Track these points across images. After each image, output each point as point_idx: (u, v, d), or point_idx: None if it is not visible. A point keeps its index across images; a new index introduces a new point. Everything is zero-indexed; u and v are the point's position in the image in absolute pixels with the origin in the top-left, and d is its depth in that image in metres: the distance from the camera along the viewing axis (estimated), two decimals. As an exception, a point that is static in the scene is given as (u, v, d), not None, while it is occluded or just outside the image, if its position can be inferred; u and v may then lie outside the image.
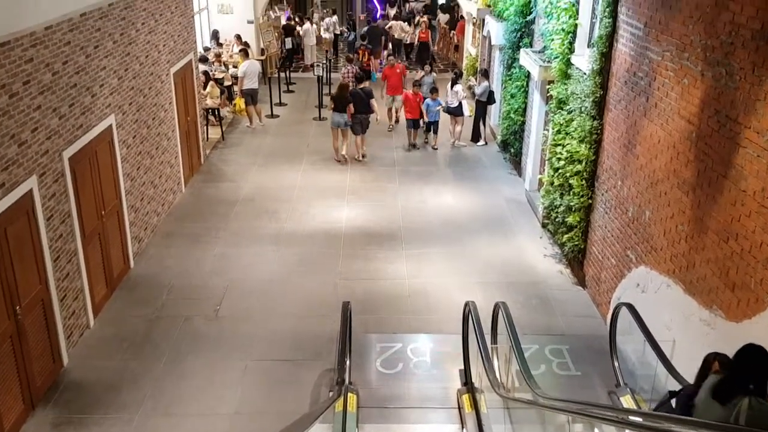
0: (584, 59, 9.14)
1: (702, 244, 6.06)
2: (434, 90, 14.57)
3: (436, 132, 14.67)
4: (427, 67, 16.05)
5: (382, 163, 13.93)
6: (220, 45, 18.10)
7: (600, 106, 8.49)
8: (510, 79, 13.21)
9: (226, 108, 15.82)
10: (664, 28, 6.79)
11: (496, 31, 13.84)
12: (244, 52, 15.73)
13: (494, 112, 15.51)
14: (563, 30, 9.54)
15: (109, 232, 8.89)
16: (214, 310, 8.64)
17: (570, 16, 9.42)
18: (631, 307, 6.92)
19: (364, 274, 9.62)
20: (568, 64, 9.55)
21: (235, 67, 16.37)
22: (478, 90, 14.54)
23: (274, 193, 12.23)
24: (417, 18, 22.24)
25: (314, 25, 21.34)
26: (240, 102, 15.23)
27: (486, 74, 14.79)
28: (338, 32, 22.67)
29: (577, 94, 8.98)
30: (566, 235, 9.41)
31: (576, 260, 9.43)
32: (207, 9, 18.75)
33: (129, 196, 9.52)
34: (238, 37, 17.77)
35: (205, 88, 14.41)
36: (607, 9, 8.08)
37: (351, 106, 13.54)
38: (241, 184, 12.62)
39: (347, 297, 8.12)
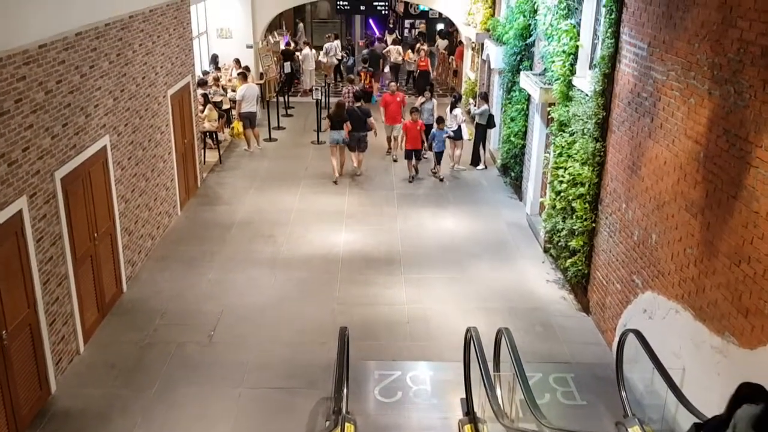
0: (586, 81, 9.03)
1: (712, 268, 5.86)
2: (440, 120, 14.07)
3: (440, 162, 14.29)
4: (427, 93, 15.52)
5: (381, 186, 13.77)
6: (218, 69, 18.07)
7: (603, 127, 8.36)
8: (510, 103, 13.12)
9: (224, 132, 15.70)
10: (668, 48, 6.67)
11: (496, 55, 13.78)
12: (243, 76, 15.67)
13: (494, 136, 15.41)
14: (564, 52, 9.45)
15: (102, 256, 8.68)
16: (207, 336, 8.40)
17: (571, 38, 9.33)
18: (638, 334, 6.72)
19: (362, 299, 9.40)
20: (570, 85, 9.44)
21: (233, 90, 16.30)
22: (476, 111, 14.45)
23: (271, 217, 12.05)
24: (417, 45, 22.29)
25: (313, 50, 21.37)
26: (238, 125, 15.11)
27: (485, 97, 14.70)
28: (339, 57, 22.69)
29: (579, 116, 8.85)
30: (569, 260, 9.21)
31: (579, 286, 9.22)
32: (206, 33, 18.76)
33: (123, 219, 9.33)
34: (237, 61, 17.75)
35: (203, 111, 14.30)
36: (610, 30, 7.98)
37: (348, 123, 13.74)
38: (238, 208, 12.44)
39: (345, 323, 7.89)
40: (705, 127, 5.99)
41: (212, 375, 7.61)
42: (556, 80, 9.67)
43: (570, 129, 9.23)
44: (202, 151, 14.20)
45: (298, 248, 10.89)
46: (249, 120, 15.19)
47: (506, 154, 13.31)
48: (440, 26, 27.42)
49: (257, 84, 17.18)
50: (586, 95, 8.80)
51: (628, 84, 7.68)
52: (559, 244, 9.62)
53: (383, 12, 22.02)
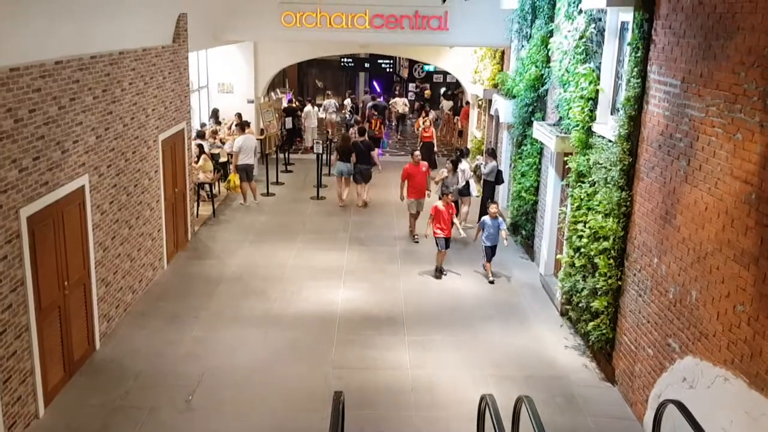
0: (608, 126, 8.37)
1: (772, 328, 4.99)
2: (492, 202, 11.47)
3: (491, 257, 11.28)
4: (449, 165, 13.10)
5: (383, 243, 12.96)
6: (218, 123, 17.58)
7: (629, 175, 7.63)
8: (520, 158, 12.47)
9: (218, 185, 15.03)
10: (707, 81, 6.01)
11: (505, 109, 13.24)
12: (241, 127, 15.10)
13: (502, 195, 14.71)
14: (583, 97, 8.84)
15: (72, 307, 7.81)
16: (185, 401, 7.43)
17: (590, 82, 8.73)
18: (680, 406, 5.78)
19: (361, 362, 8.45)
20: (589, 132, 8.78)
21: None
22: (485, 170, 13.78)
23: (264, 272, 11.20)
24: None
25: (315, 108, 21.07)
26: (234, 178, 14.43)
27: (493, 153, 14.08)
28: (347, 116, 22.49)
29: (601, 164, 8.14)
30: (591, 323, 8.30)
31: (603, 352, 8.28)
32: (207, 87, 18.38)
33: (100, 268, 8.49)
34: (239, 115, 17.26)
35: (197, 161, 13.66)
36: (635, 69, 7.36)
37: (354, 155, 14.71)
38: (229, 262, 11.60)
39: (340, 388, 6.93)
40: (757, 165, 5.24)
41: (186, 446, 6.63)
42: (574, 127, 9.01)
43: (590, 179, 8.51)
44: (195, 203, 13.47)
45: (292, 306, 10.00)
46: (246, 172, 14.53)
47: (516, 212, 12.57)
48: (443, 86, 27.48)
49: (257, 139, 16.65)
50: (609, 141, 8.11)
51: (659, 125, 6.99)
52: (579, 305, 8.73)
53: (388, 70, 21.83)
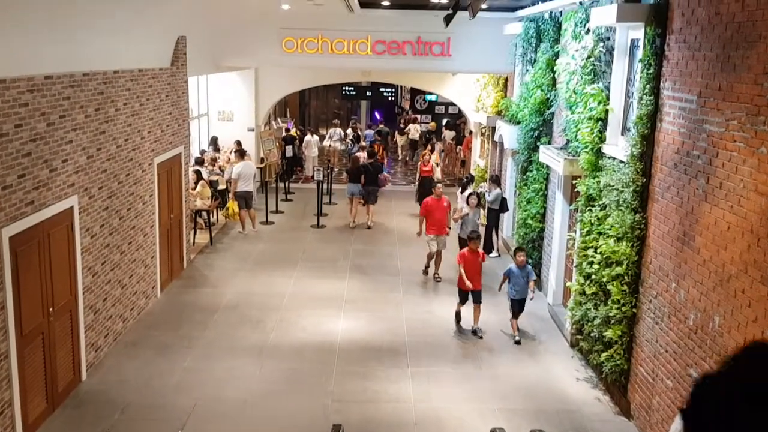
0: (618, 147, 8.06)
1: (808, 354, 4.57)
2: (520, 250, 9.84)
3: (519, 313, 9.78)
4: (473, 200, 11.99)
5: (385, 271, 12.56)
6: (218, 150, 17.33)
7: (642, 196, 7.29)
8: (526, 184, 12.15)
9: (215, 214, 14.69)
10: (726, 94, 5.70)
11: (510, 135, 12.96)
12: (240, 153, 14.81)
13: (506, 223, 14.35)
14: (591, 118, 8.55)
15: (58, 335, 7.41)
16: (174, 435, 6.99)
17: (599, 102, 8.45)
18: (707, 441, 5.32)
19: (362, 394, 8.01)
20: (599, 154, 8.46)
21: (231, 171, 15.41)
22: (489, 197, 13.45)
23: (260, 301, 10.79)
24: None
25: (315, 136, 20.87)
26: (233, 205, 14.09)
27: (497, 181, 13.78)
28: (349, 146, 22.31)
29: (613, 186, 7.80)
30: (604, 354, 7.87)
31: (617, 384, 7.83)
32: (207, 115, 18.19)
33: (88, 294, 8.11)
34: (238, 142, 17.02)
35: (195, 187, 13.34)
36: (648, 86, 7.08)
37: (363, 176, 15.20)
38: (225, 291, 11.20)
39: (340, 422, 6.52)
40: (785, 180, 4.90)
41: (172, 484, 6.17)
42: (583, 149, 8.70)
43: (601, 202, 8.16)
44: (192, 231, 13.12)
45: (289, 335, 9.57)
46: (245, 200, 14.19)
47: (522, 240, 12.19)
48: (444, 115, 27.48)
49: (257, 168, 16.37)
50: (621, 162, 7.79)
51: (674, 143, 6.68)
52: (591, 335, 8.30)
53: (390, 98, 21.68)
